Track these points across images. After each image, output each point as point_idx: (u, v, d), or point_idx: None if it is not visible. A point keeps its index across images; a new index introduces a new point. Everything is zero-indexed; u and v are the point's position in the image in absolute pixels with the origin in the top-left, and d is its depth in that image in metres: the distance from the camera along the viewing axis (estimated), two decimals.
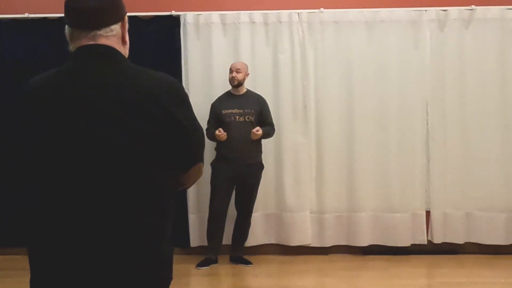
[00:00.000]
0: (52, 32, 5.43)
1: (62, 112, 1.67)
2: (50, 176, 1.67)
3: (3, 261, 5.52)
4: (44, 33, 5.59)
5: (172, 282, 1.80)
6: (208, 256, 5.41)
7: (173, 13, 5.65)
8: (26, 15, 5.67)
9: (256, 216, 5.64)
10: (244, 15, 5.66)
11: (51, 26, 5.48)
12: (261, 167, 5.42)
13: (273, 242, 5.77)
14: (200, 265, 5.34)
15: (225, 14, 5.66)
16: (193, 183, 1.93)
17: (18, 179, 1.81)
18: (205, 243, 5.60)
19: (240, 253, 5.50)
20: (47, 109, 1.68)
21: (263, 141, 5.45)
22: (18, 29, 5.69)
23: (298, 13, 5.65)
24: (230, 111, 5.30)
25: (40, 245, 1.70)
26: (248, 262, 5.43)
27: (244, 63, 5.45)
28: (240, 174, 5.26)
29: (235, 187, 5.38)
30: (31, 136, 1.71)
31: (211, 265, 5.37)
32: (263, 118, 5.38)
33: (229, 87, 5.49)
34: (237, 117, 5.30)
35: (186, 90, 5.82)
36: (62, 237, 1.65)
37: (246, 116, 5.30)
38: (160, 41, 5.62)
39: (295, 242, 5.69)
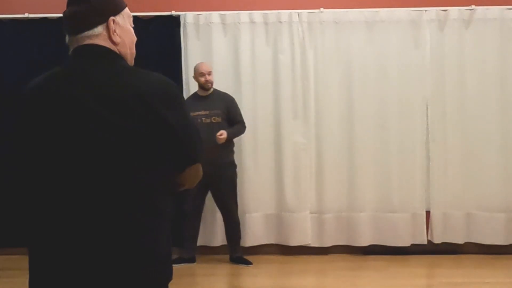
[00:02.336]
0: (52, 32, 5.43)
1: (54, 113, 1.69)
2: (46, 176, 1.69)
3: (3, 261, 5.52)
4: (44, 33, 5.59)
5: (171, 282, 1.80)
6: (181, 255, 5.38)
7: (173, 13, 5.66)
8: (26, 15, 5.67)
9: (256, 216, 5.64)
10: (244, 15, 5.66)
11: (51, 26, 5.48)
12: (232, 166, 5.40)
13: (273, 242, 5.77)
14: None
15: (225, 14, 5.66)
16: (192, 184, 1.92)
17: (17, 179, 1.83)
18: (205, 243, 5.62)
19: (239, 253, 5.50)
20: (42, 110, 1.71)
21: (262, 141, 5.45)
22: (18, 29, 5.69)
23: (298, 13, 5.65)
24: (196, 113, 5.21)
25: (37, 245, 1.71)
26: (248, 262, 5.43)
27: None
28: (212, 176, 5.00)
29: (210, 189, 5.37)
30: (28, 138, 1.73)
31: (183, 264, 5.33)
32: (231, 116, 5.35)
33: (230, 87, 5.49)
34: (203, 118, 5.25)
35: (186, 90, 5.83)
36: (59, 238, 1.66)
37: (212, 117, 5.27)
38: (160, 41, 5.63)
39: (295, 242, 5.69)
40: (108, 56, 1.78)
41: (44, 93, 1.73)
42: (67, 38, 1.83)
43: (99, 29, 1.78)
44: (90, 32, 1.77)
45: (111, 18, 1.80)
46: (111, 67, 1.76)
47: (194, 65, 5.62)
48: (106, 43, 1.79)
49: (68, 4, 1.80)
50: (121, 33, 1.82)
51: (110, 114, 1.66)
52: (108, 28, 1.79)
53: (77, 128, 1.66)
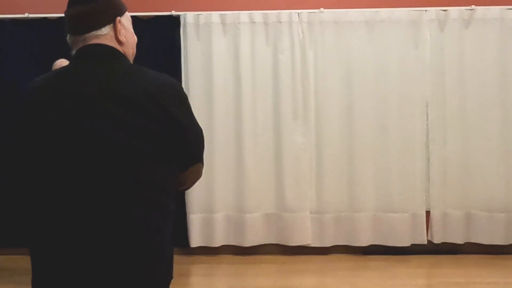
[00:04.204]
0: (52, 32, 5.43)
1: (60, 112, 1.70)
2: (51, 175, 1.69)
3: (3, 261, 5.52)
4: (44, 33, 5.59)
5: (172, 281, 1.81)
6: None
7: (173, 13, 5.66)
8: (26, 15, 5.66)
9: (256, 216, 5.64)
10: (244, 15, 5.66)
11: (51, 26, 5.48)
12: None
13: (273, 242, 5.76)
14: None
15: (225, 14, 5.66)
16: (193, 184, 1.94)
17: (19, 178, 1.83)
18: (205, 243, 5.62)
19: None
20: (46, 109, 1.72)
21: (262, 141, 5.44)
22: (18, 29, 5.69)
23: (298, 13, 5.64)
24: None
25: (40, 244, 1.71)
26: None
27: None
28: None
29: None
30: (31, 136, 1.74)
31: None
32: None
33: (230, 87, 5.48)
34: None
35: (186, 90, 5.84)
36: (63, 236, 1.67)
37: None
38: (160, 41, 5.62)
39: (295, 242, 5.68)
40: (115, 56, 1.79)
41: (51, 92, 1.73)
42: (68, 37, 1.83)
43: (107, 29, 1.80)
44: (98, 32, 1.78)
45: (118, 18, 1.81)
46: (119, 67, 1.78)
47: (194, 65, 5.63)
48: (112, 43, 1.80)
49: (72, 4, 1.80)
50: (125, 33, 1.83)
51: (121, 112, 1.67)
52: (115, 28, 1.80)
53: (87, 126, 1.67)
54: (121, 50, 1.82)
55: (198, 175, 1.90)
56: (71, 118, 1.68)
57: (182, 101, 1.78)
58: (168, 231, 1.76)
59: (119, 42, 1.81)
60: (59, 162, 1.68)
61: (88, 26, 1.78)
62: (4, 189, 5.35)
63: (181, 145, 1.76)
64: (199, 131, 1.84)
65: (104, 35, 1.79)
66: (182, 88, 1.85)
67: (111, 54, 1.79)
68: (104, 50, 1.78)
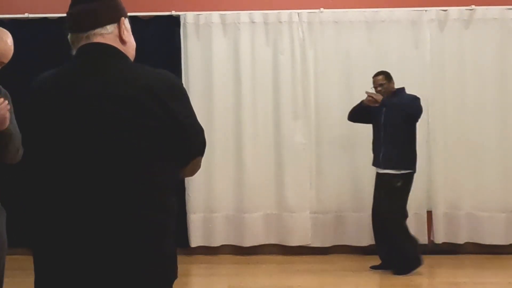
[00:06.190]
0: (52, 32, 5.42)
1: (62, 110, 1.70)
2: (52, 174, 1.69)
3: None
4: (44, 33, 5.59)
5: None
6: None
7: (173, 13, 5.66)
8: (26, 15, 5.67)
9: (256, 216, 5.64)
10: (244, 15, 5.66)
11: (51, 26, 5.48)
12: None
13: (273, 242, 5.76)
14: None
15: (225, 14, 5.66)
16: (191, 175, 1.95)
17: (21, 178, 1.83)
18: (205, 243, 5.62)
19: None
20: (48, 108, 1.72)
21: (262, 141, 5.42)
22: (18, 29, 5.68)
23: (298, 13, 5.65)
24: None
25: (42, 244, 1.72)
26: None
27: None
28: None
29: None
30: (32, 136, 1.75)
31: None
32: None
33: (230, 87, 5.48)
34: None
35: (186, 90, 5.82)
36: (65, 236, 1.66)
37: None
38: (160, 41, 5.63)
39: (295, 242, 5.69)
40: (117, 55, 1.80)
41: (54, 89, 1.73)
42: (70, 36, 1.82)
43: (111, 28, 1.80)
44: (102, 30, 1.78)
45: (122, 18, 1.82)
46: (121, 65, 1.78)
47: (194, 65, 5.62)
48: (115, 43, 1.80)
49: (77, 2, 1.80)
50: (128, 35, 1.84)
51: (122, 111, 1.67)
52: (119, 28, 1.81)
53: (88, 124, 1.67)
54: (123, 50, 1.82)
55: (197, 167, 1.91)
56: (72, 118, 1.68)
57: (181, 96, 1.79)
58: (170, 229, 1.76)
59: (122, 42, 1.82)
60: (61, 161, 1.68)
61: (93, 23, 1.78)
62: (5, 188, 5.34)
63: (181, 140, 1.76)
64: (199, 126, 1.85)
65: (108, 34, 1.79)
66: (181, 82, 1.86)
67: (114, 54, 1.79)
68: (107, 49, 1.78)
